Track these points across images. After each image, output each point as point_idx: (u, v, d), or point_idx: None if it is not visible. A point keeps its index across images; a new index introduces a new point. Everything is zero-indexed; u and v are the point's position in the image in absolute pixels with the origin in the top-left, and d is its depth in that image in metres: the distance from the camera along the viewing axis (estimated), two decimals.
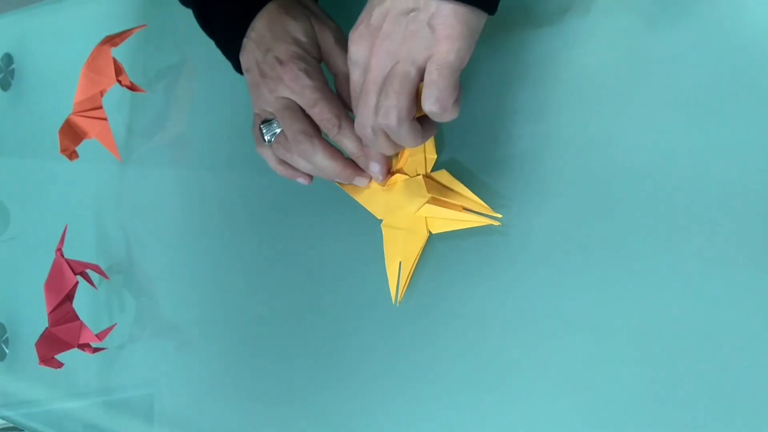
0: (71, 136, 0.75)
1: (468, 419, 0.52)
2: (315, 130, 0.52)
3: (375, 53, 0.43)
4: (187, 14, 0.61)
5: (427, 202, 0.52)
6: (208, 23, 0.57)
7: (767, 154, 0.42)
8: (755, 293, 0.42)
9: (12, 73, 0.93)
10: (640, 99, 0.46)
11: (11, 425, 0.92)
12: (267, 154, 0.55)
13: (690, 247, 0.44)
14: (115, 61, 0.72)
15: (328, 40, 0.53)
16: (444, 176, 0.53)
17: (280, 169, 0.55)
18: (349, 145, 0.52)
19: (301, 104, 0.51)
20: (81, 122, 0.74)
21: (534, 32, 0.49)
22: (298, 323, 0.63)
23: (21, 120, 0.92)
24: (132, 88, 0.74)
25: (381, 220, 0.56)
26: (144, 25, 0.74)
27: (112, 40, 0.73)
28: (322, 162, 0.52)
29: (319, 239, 0.62)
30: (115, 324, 0.76)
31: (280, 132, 0.53)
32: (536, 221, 0.50)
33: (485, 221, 0.51)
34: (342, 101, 0.52)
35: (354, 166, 0.53)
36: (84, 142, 0.75)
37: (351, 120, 0.50)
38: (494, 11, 0.42)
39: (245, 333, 0.67)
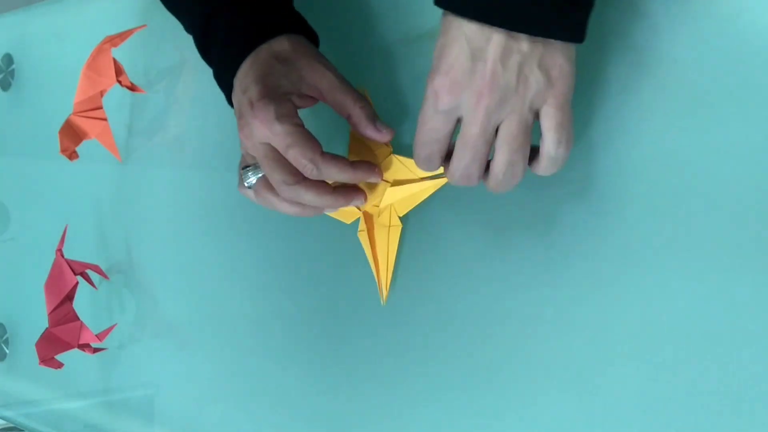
0: (71, 136, 0.75)
1: (465, 419, 0.52)
2: (297, 175, 0.49)
3: (482, 104, 0.41)
4: None
5: (389, 186, 0.53)
6: (207, 55, 0.57)
7: (767, 154, 0.42)
8: (755, 293, 0.42)
9: (12, 73, 0.93)
10: (640, 99, 0.46)
11: (11, 425, 0.92)
12: (249, 194, 0.54)
13: (690, 246, 0.44)
14: (115, 61, 0.72)
15: (326, 81, 0.51)
16: (405, 161, 0.53)
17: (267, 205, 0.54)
18: (335, 178, 0.50)
19: (277, 148, 0.49)
20: (81, 122, 0.74)
21: None
22: (297, 323, 0.63)
23: (21, 120, 0.92)
24: (132, 88, 0.74)
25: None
26: (144, 26, 0.74)
27: (112, 40, 0.73)
28: (312, 201, 0.50)
29: (319, 239, 0.62)
30: (115, 324, 0.76)
31: (263, 176, 0.52)
32: (531, 215, 0.50)
33: (443, 180, 0.51)
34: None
35: (344, 190, 0.52)
36: (84, 142, 0.75)
37: (327, 154, 0.49)
38: (584, 39, 0.41)
39: (245, 333, 0.67)
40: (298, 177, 0.49)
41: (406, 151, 0.54)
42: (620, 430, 0.46)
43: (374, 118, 0.51)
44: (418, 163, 0.46)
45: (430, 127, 0.44)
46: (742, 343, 0.42)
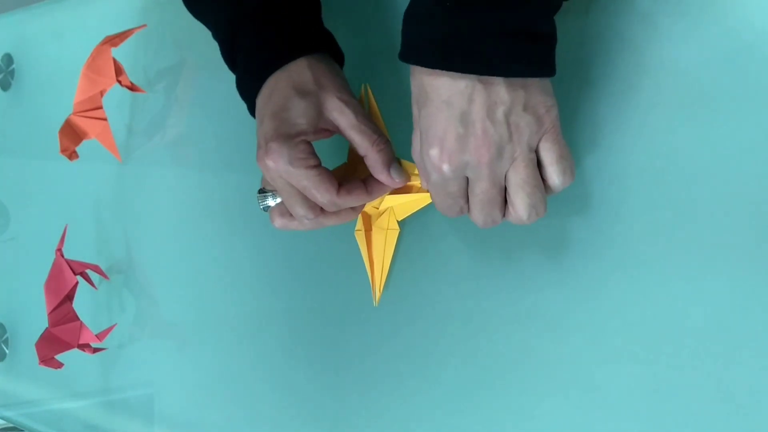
0: (71, 136, 0.75)
1: (458, 418, 0.52)
2: (317, 209, 0.50)
3: (483, 162, 0.42)
4: (187, 14, 0.61)
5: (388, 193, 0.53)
6: (232, 65, 0.56)
7: (767, 153, 0.42)
8: (756, 293, 0.42)
9: (12, 73, 0.93)
10: (639, 99, 0.46)
11: (11, 425, 0.92)
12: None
13: (691, 246, 0.44)
14: (115, 61, 0.72)
15: (345, 119, 0.50)
16: (406, 165, 0.53)
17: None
18: (353, 205, 0.51)
19: (295, 186, 0.49)
20: (81, 122, 0.74)
21: None
22: (297, 323, 0.63)
23: (21, 120, 0.92)
24: (132, 88, 0.74)
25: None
26: (144, 25, 0.74)
27: (112, 40, 0.72)
28: (334, 224, 0.52)
29: (318, 237, 0.62)
30: (115, 324, 0.76)
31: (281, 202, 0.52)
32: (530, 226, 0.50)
33: None
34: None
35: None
36: (84, 142, 0.75)
37: (343, 189, 0.49)
38: (554, 72, 0.42)
39: (244, 333, 0.67)
40: (318, 211, 0.50)
41: (409, 153, 0.54)
42: (620, 430, 0.46)
43: (389, 163, 0.51)
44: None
45: (445, 194, 0.45)
46: (743, 344, 0.42)
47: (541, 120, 0.42)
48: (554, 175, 0.43)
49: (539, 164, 0.43)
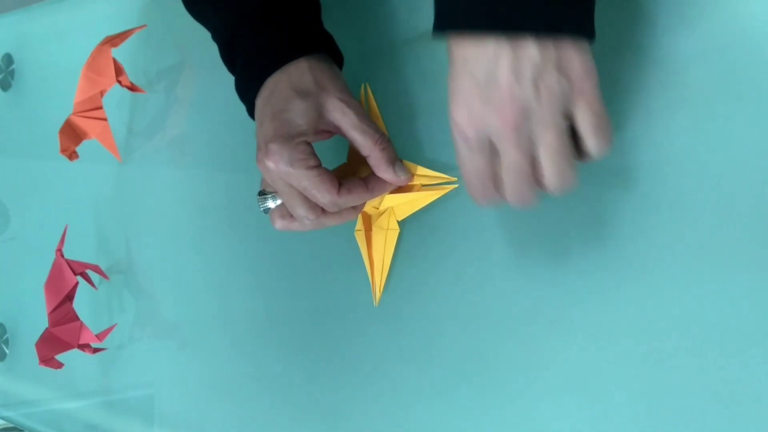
0: (71, 136, 0.75)
1: (457, 418, 0.52)
2: (317, 209, 0.50)
3: (507, 125, 0.39)
4: (188, 14, 0.61)
5: (389, 192, 0.53)
6: (231, 66, 0.56)
7: (767, 154, 0.42)
8: (756, 293, 0.42)
9: (12, 73, 0.93)
10: (639, 98, 0.46)
11: (11, 425, 0.92)
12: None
13: (692, 246, 0.44)
14: (115, 61, 0.72)
15: (346, 120, 0.50)
16: (407, 164, 0.53)
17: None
18: (355, 203, 0.51)
19: (296, 187, 0.49)
20: (81, 122, 0.74)
21: None
22: (297, 323, 0.63)
23: (21, 120, 0.92)
24: (132, 88, 0.74)
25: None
26: (144, 26, 0.74)
27: (112, 40, 0.72)
28: (335, 224, 0.52)
29: (318, 238, 0.62)
30: (115, 324, 0.76)
31: (281, 203, 0.52)
32: (529, 218, 0.50)
33: (444, 189, 0.51)
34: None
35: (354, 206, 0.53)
36: (84, 142, 0.75)
37: (344, 187, 0.49)
38: (593, 34, 0.40)
39: (245, 333, 0.67)
40: (319, 211, 0.50)
41: (408, 152, 0.54)
42: (620, 430, 0.46)
43: (393, 161, 0.51)
44: (480, 204, 0.44)
45: (473, 168, 0.42)
46: (744, 344, 0.42)
47: (576, 84, 0.39)
48: (591, 146, 0.40)
49: (574, 134, 0.40)
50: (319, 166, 0.49)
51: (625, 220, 0.46)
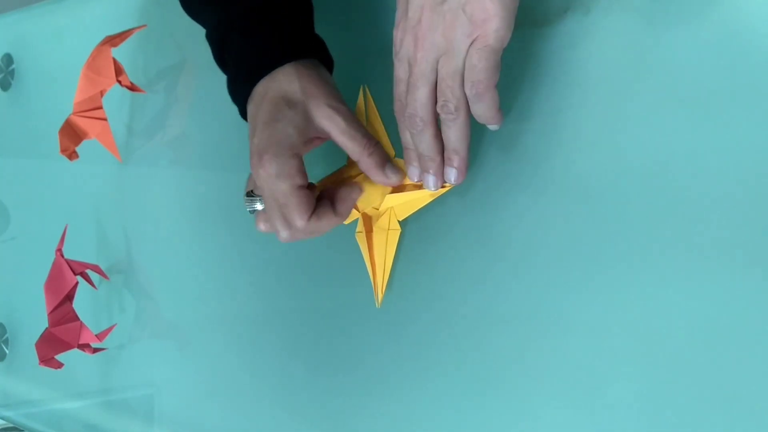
0: (71, 136, 0.75)
1: (459, 418, 0.52)
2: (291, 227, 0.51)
3: (419, 47, 0.44)
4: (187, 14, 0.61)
5: (390, 190, 0.53)
6: (223, 66, 0.56)
7: (767, 153, 0.42)
8: (756, 292, 0.42)
9: (12, 73, 0.93)
10: (640, 99, 0.46)
11: (11, 425, 0.92)
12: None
13: (690, 246, 0.44)
14: (115, 61, 0.72)
15: (335, 126, 0.50)
16: (400, 162, 0.53)
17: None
18: (326, 230, 0.52)
19: (276, 198, 0.50)
20: (81, 122, 0.74)
21: (534, 32, 0.49)
22: (299, 325, 0.63)
23: (21, 120, 0.92)
24: (132, 88, 0.74)
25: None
26: (144, 25, 0.74)
27: (112, 40, 0.72)
28: (315, 230, 0.52)
29: (318, 238, 0.62)
30: (115, 324, 0.76)
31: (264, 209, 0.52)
32: (530, 219, 0.50)
33: (444, 188, 0.51)
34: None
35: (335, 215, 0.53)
36: (84, 142, 0.75)
37: (315, 214, 0.50)
38: None
39: (245, 333, 0.67)
40: (291, 228, 0.51)
41: None
42: (620, 430, 0.46)
43: (383, 164, 0.51)
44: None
45: (396, 77, 0.47)
46: (745, 344, 0.42)
47: (476, 25, 0.42)
48: (466, 80, 0.44)
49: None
50: (303, 186, 0.49)
51: (625, 220, 0.46)
